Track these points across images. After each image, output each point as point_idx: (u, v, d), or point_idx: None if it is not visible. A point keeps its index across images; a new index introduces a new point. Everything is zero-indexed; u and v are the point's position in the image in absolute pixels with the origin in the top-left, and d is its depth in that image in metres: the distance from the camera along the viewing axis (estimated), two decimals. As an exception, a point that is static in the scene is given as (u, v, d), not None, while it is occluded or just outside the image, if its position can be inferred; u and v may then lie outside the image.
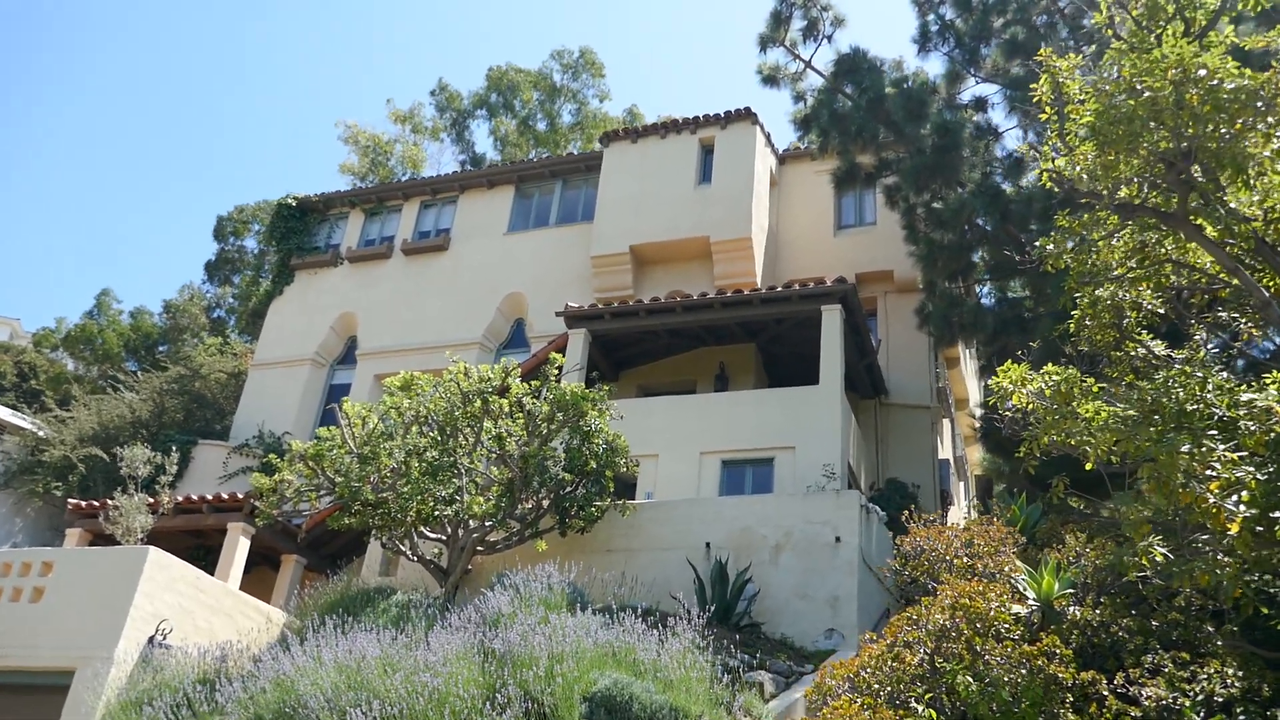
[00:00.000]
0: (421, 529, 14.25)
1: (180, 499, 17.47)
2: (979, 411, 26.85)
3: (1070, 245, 9.40)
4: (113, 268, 66.83)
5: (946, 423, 21.97)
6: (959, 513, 21.97)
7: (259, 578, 19.60)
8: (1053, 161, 8.29)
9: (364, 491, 12.90)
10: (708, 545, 14.20)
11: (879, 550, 14.38)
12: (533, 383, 14.52)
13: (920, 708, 7.32)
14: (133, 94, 66.35)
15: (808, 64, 17.97)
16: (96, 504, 18.40)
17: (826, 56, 18.78)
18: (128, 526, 15.14)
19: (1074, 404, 7.98)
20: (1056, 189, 8.78)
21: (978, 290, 18.40)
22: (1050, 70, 8.24)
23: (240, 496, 17.94)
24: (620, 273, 21.76)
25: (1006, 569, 9.39)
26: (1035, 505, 12.97)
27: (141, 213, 67.48)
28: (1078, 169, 8.25)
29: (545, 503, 14.13)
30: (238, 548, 17.69)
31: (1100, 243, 9.52)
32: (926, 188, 16.77)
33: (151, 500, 15.68)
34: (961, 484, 23.81)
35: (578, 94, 47.70)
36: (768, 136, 22.92)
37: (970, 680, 7.02)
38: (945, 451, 21.18)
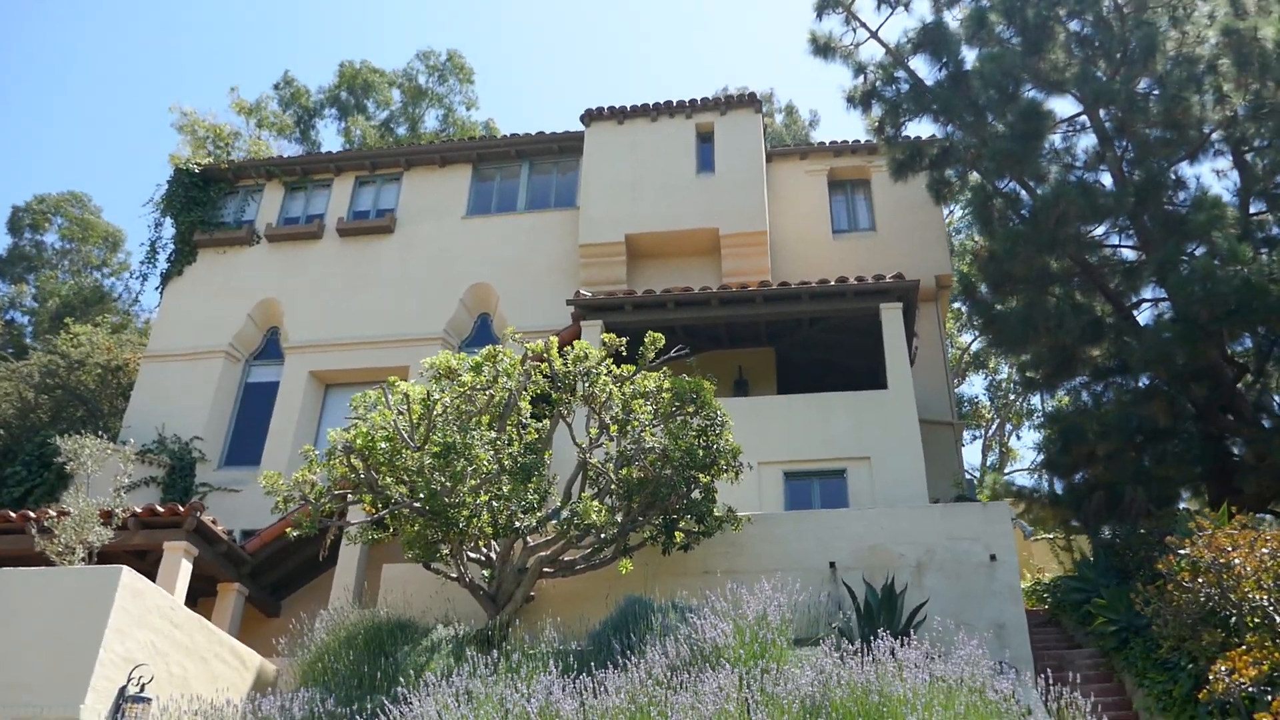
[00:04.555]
0: (469, 547, 11.40)
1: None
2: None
3: None
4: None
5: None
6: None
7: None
8: None
9: (460, 495, 9.85)
10: (832, 565, 12.02)
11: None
12: (624, 367, 11.97)
13: None
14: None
15: (874, 34, 16.26)
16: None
17: (895, 29, 17.01)
18: (67, 543, 11.39)
19: None
20: None
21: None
22: None
23: (181, 509, 14.29)
24: (613, 265, 19.31)
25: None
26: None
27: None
28: None
29: (641, 512, 11.56)
30: (179, 574, 14.00)
31: None
32: (1003, 178, 15.40)
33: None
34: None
35: (444, 99, 44.93)
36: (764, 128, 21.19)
37: None
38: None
